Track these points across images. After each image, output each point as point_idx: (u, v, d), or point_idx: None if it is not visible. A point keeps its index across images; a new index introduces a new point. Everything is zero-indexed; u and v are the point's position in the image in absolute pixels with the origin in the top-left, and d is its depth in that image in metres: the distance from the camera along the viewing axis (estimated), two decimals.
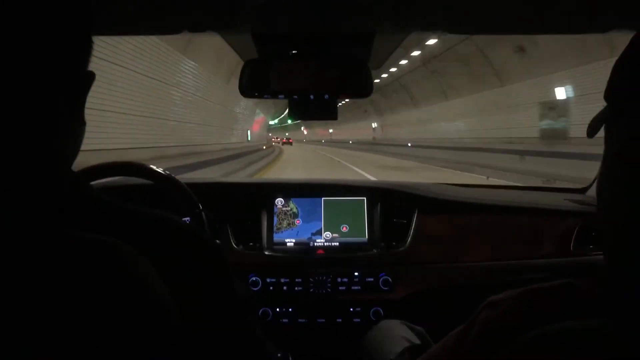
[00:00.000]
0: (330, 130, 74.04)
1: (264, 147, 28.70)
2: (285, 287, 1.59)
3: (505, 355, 0.43)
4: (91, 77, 0.45)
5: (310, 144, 67.12)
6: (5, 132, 0.35)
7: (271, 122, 69.83)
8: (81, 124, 0.45)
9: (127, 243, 0.41)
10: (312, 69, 1.07)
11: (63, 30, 0.40)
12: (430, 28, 1.03)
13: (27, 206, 0.38)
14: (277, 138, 74.24)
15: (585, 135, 0.54)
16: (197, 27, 0.99)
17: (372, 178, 10.80)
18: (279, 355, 0.81)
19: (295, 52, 1.09)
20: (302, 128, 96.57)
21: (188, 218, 1.37)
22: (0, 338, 0.32)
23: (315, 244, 1.66)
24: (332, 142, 59.90)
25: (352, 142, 47.90)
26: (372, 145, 36.51)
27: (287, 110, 1.17)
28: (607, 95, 0.49)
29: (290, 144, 59.30)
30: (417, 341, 1.04)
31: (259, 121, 34.29)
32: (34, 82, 0.37)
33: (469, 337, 0.50)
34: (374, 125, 38.96)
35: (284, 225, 1.67)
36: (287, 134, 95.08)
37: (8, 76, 0.35)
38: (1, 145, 0.35)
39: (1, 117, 0.35)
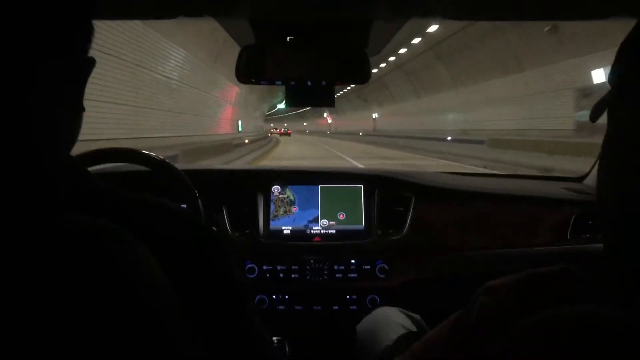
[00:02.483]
0: (375, 115, 42.00)
1: None
2: (281, 275, 1.59)
3: (503, 340, 0.43)
4: (91, 63, 0.45)
5: (336, 138, 44.51)
6: (6, 121, 0.35)
7: (280, 106, 64.14)
8: (80, 110, 0.45)
9: (125, 229, 0.41)
10: (309, 56, 1.07)
11: (70, 19, 0.40)
12: (428, 14, 1.03)
13: (30, 194, 0.38)
14: (275, 129, 65.25)
15: None
16: (194, 11, 0.98)
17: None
18: (275, 341, 0.81)
19: (293, 38, 1.08)
20: (325, 115, 65.21)
21: (184, 205, 1.36)
22: (8, 327, 0.32)
23: (312, 231, 1.66)
24: (383, 138, 32.80)
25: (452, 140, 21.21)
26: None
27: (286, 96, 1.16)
28: (611, 79, 0.48)
29: (289, 134, 56.39)
30: (414, 328, 1.04)
31: (227, 97, 19.85)
32: (38, 73, 0.37)
33: (466, 323, 0.50)
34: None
35: (281, 213, 1.67)
36: (305, 123, 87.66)
37: (11, 69, 0.35)
38: (2, 135, 0.35)
39: (2, 106, 0.35)
